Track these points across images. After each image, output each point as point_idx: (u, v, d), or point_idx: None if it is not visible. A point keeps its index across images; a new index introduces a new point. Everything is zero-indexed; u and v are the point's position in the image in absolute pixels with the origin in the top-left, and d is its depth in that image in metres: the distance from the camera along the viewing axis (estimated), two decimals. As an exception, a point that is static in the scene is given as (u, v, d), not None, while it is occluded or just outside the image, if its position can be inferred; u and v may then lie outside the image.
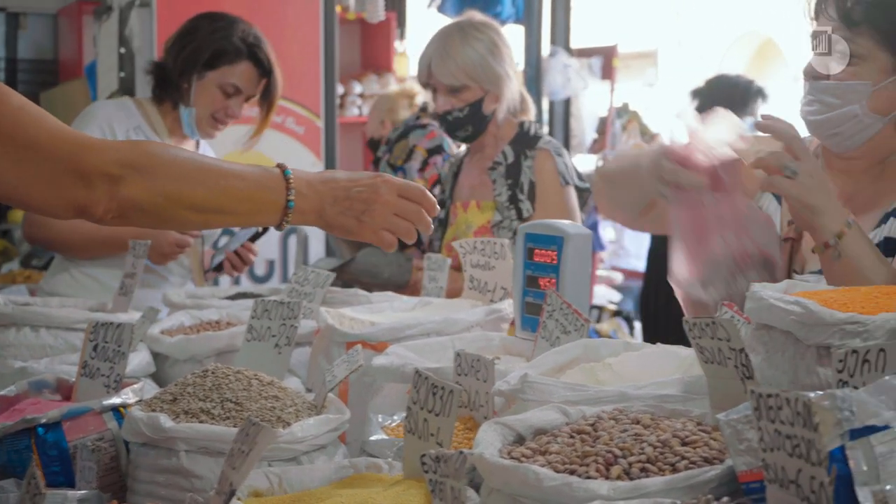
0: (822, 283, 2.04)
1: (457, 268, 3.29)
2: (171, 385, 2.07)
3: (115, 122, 4.00)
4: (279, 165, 2.22)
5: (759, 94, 6.56)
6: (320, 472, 1.86)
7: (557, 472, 1.46)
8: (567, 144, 7.32)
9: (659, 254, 6.27)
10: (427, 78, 4.14)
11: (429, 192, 2.33)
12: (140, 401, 2.09)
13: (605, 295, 8.25)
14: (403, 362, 2.20)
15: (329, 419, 1.98)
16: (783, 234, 2.65)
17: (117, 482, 2.04)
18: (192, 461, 1.92)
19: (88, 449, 1.98)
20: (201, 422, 1.95)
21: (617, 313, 7.96)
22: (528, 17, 7.58)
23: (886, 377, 1.30)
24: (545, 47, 7.65)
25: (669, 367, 1.97)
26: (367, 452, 2.02)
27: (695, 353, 1.67)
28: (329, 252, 5.76)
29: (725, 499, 1.35)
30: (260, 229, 4.14)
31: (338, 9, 6.45)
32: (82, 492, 1.87)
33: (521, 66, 4.49)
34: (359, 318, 2.69)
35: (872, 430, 1.23)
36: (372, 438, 2.03)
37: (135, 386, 2.18)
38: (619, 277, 8.58)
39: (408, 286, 4.27)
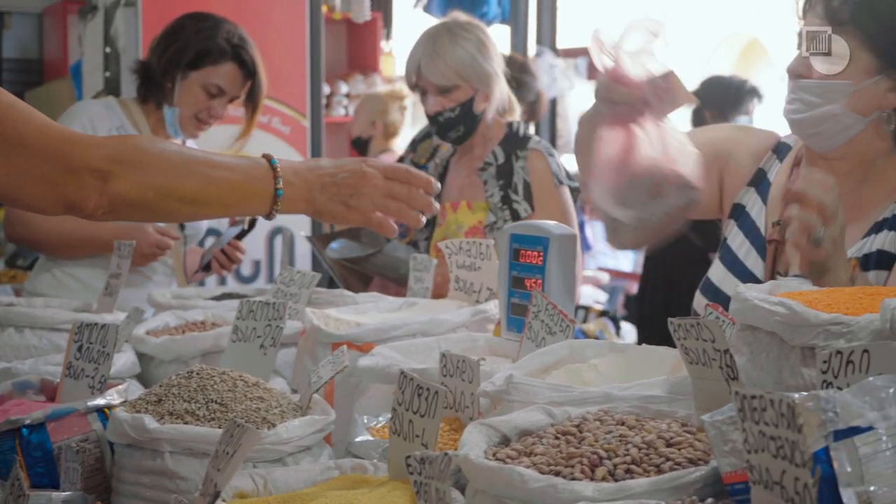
0: (806, 285, 2.04)
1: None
2: (156, 386, 2.06)
3: (97, 122, 3.99)
4: (265, 155, 2.23)
5: (753, 93, 6.58)
6: (305, 473, 1.86)
7: (542, 473, 1.46)
8: (554, 144, 7.32)
9: (655, 255, 6.28)
10: (416, 80, 4.14)
11: (416, 170, 2.33)
12: (125, 402, 2.08)
13: (591, 295, 8.25)
14: (389, 363, 2.20)
15: (314, 420, 1.98)
16: (767, 235, 2.65)
17: (102, 483, 2.03)
18: (176, 462, 1.91)
19: (73, 450, 1.97)
20: (186, 423, 1.94)
21: (603, 313, 7.96)
22: (514, 18, 7.58)
23: (870, 378, 1.30)
24: (531, 47, 7.65)
25: (655, 368, 1.97)
26: (353, 454, 2.01)
27: (680, 353, 1.67)
28: (315, 253, 5.75)
29: (710, 500, 1.35)
30: (246, 227, 4.14)
31: (324, 9, 6.45)
32: (67, 493, 1.87)
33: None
34: (344, 318, 2.69)
35: (856, 431, 1.23)
36: (357, 439, 2.03)
37: (119, 387, 2.17)
38: (605, 278, 8.59)
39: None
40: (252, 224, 4.20)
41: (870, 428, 1.24)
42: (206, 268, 4.21)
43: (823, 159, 2.61)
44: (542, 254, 2.40)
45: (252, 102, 4.15)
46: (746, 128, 2.81)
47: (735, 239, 2.72)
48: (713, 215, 2.86)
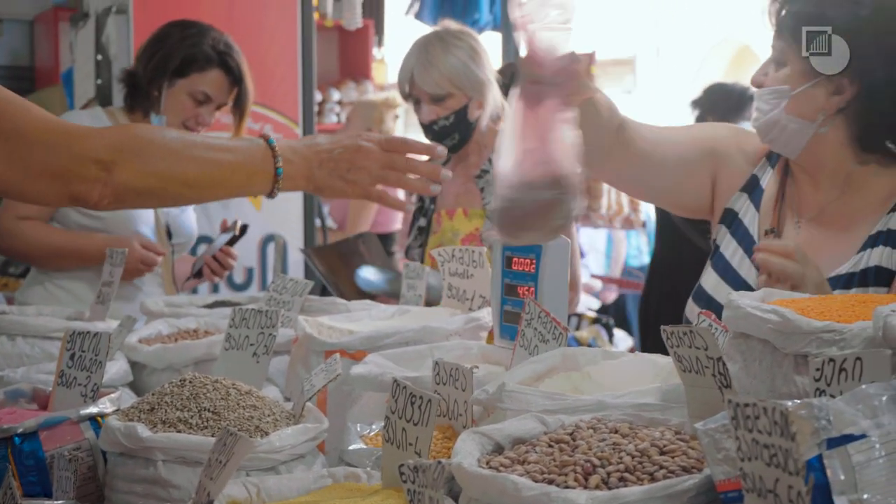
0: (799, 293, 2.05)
1: None
2: (149, 394, 2.06)
3: None
4: (262, 136, 2.24)
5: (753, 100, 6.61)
6: (298, 481, 1.85)
7: (536, 481, 1.46)
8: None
9: (660, 262, 6.29)
10: (410, 89, 4.14)
11: (412, 139, 2.33)
12: (117, 410, 2.08)
13: (584, 302, 8.26)
14: (382, 371, 2.20)
15: (307, 428, 1.98)
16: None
17: (94, 492, 2.03)
18: (169, 471, 1.91)
19: (65, 459, 1.97)
20: (179, 431, 1.94)
21: (596, 321, 7.97)
22: (506, 25, 7.59)
23: (863, 386, 1.31)
24: (523, 54, 7.66)
25: (648, 375, 1.97)
26: (346, 462, 2.01)
27: (673, 361, 1.67)
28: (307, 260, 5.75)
29: (703, 508, 1.36)
30: (237, 233, 4.14)
31: (315, 16, 6.45)
32: (59, 502, 1.88)
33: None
34: (337, 326, 2.69)
35: (850, 438, 1.24)
36: (350, 448, 2.02)
37: (112, 395, 2.17)
38: (598, 285, 8.60)
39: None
40: (243, 230, 4.20)
41: (863, 436, 1.24)
42: (198, 275, 4.21)
43: (801, 168, 2.65)
44: (534, 261, 2.40)
45: (239, 109, 4.15)
46: (744, 130, 2.83)
47: (728, 246, 2.73)
48: (703, 215, 2.87)
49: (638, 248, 8.98)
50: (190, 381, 2.04)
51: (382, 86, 9.15)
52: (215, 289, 5.51)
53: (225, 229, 4.28)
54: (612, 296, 8.69)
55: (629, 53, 12.72)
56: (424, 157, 2.42)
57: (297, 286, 3.06)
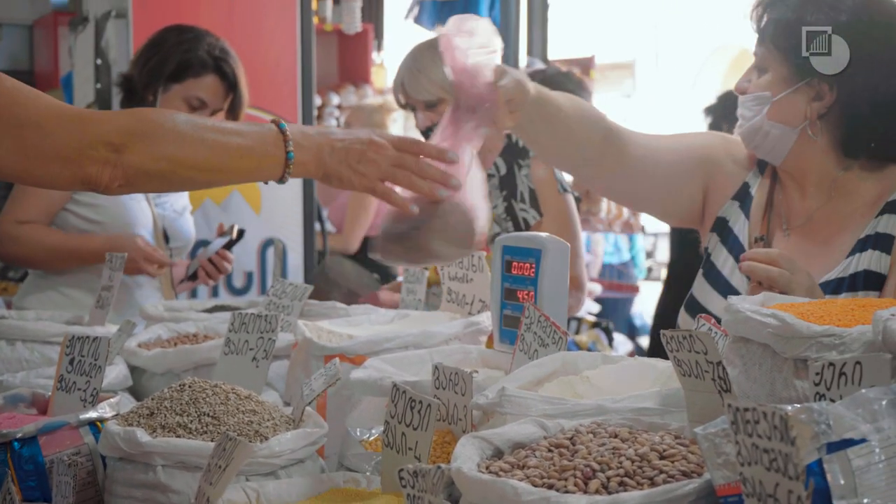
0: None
1: None
2: (148, 399, 2.06)
3: None
4: (273, 120, 2.24)
5: None
6: (298, 486, 1.85)
7: (535, 486, 1.46)
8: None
9: (676, 269, 6.28)
10: (405, 99, 4.14)
11: (427, 142, 2.33)
12: (117, 415, 2.08)
13: (584, 306, 8.26)
14: (381, 376, 2.19)
15: (307, 433, 1.98)
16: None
17: (94, 497, 2.03)
18: (169, 476, 1.91)
19: (65, 463, 1.97)
20: (178, 436, 1.94)
21: (596, 325, 7.96)
22: (505, 29, 7.59)
23: (863, 390, 1.31)
24: (522, 58, 7.66)
25: (647, 380, 1.97)
26: (346, 466, 2.01)
27: (672, 366, 1.67)
28: (307, 263, 5.75)
29: (703, 512, 1.35)
30: (234, 237, 4.14)
31: (315, 20, 6.45)
32: (58, 507, 1.87)
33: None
34: (336, 331, 2.69)
35: (849, 443, 1.24)
36: (350, 452, 2.02)
37: (111, 400, 2.17)
38: (598, 289, 8.59)
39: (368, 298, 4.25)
40: (240, 234, 4.20)
41: (863, 440, 1.24)
42: (193, 277, 4.21)
43: (788, 175, 2.65)
44: (534, 265, 2.40)
45: (233, 115, 4.14)
46: (732, 138, 2.84)
47: (719, 256, 2.72)
48: (693, 224, 2.87)
49: (616, 246, 8.98)
50: (189, 386, 2.04)
51: (382, 90, 9.15)
52: (215, 293, 5.50)
53: (221, 233, 4.28)
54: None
55: (629, 57, 12.73)
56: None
57: (297, 290, 3.05)
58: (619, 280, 8.78)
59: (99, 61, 5.48)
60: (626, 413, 1.72)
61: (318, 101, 8.35)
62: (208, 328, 3.09)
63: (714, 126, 6.33)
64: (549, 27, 8.01)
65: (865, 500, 1.21)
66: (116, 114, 2.24)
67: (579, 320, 7.76)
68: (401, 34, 9.20)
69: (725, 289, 2.65)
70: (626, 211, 7.94)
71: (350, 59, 9.41)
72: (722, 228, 2.75)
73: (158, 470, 1.91)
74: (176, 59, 4.02)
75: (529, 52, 7.82)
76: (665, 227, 7.10)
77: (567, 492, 1.45)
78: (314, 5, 6.46)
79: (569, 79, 6.27)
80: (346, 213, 7.55)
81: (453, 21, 2.38)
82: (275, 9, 5.69)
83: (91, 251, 3.88)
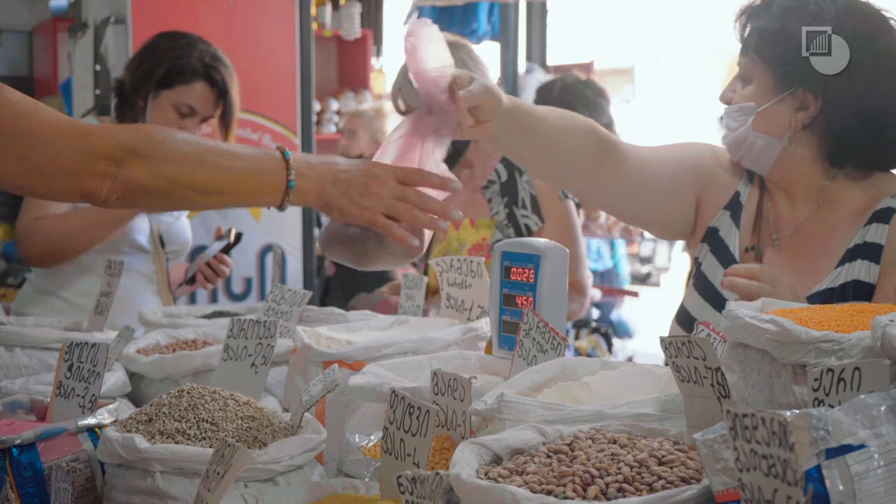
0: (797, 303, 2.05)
1: None
2: (147, 405, 2.06)
3: None
4: (278, 147, 2.25)
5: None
6: (297, 492, 1.85)
7: (534, 492, 1.46)
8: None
9: None
10: (404, 105, 4.14)
11: (429, 172, 2.33)
12: (115, 421, 2.08)
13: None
14: (380, 382, 2.19)
15: (306, 439, 1.97)
16: (741, 261, 2.66)
17: (92, 503, 2.02)
18: (167, 482, 1.91)
19: (63, 470, 1.96)
20: (177, 442, 1.93)
21: (595, 330, 7.97)
22: (504, 34, 7.60)
23: (862, 396, 1.30)
24: (521, 64, 7.66)
25: (646, 385, 1.97)
26: (344, 473, 2.01)
27: (671, 371, 1.67)
28: (306, 269, 5.75)
29: (702, 518, 1.35)
30: (231, 240, 4.14)
31: (314, 26, 6.46)
32: (57, 514, 1.87)
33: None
34: (335, 337, 2.69)
35: (848, 449, 1.23)
36: (349, 458, 2.02)
37: (110, 406, 2.17)
38: (597, 294, 8.60)
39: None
40: (238, 238, 4.19)
41: (861, 446, 1.24)
42: (192, 281, 4.21)
43: (775, 184, 2.65)
44: (533, 271, 2.40)
45: (224, 123, 4.13)
46: (723, 148, 2.83)
47: (709, 265, 2.71)
48: (685, 236, 2.85)
49: (598, 253, 8.98)
50: (188, 392, 2.04)
51: (381, 95, 9.16)
52: (214, 299, 5.50)
53: (219, 236, 4.28)
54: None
55: (628, 63, 12.75)
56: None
57: (296, 296, 3.05)
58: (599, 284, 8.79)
59: (98, 67, 5.48)
60: (625, 419, 1.72)
61: (317, 106, 8.35)
62: (207, 334, 3.09)
63: None
64: (549, 33, 8.02)
65: (864, 506, 1.21)
66: (118, 128, 2.24)
67: (580, 326, 7.77)
68: (400, 40, 9.20)
69: (717, 300, 2.63)
70: (624, 216, 7.94)
71: (349, 64, 9.41)
72: (712, 239, 2.74)
73: (157, 476, 1.91)
74: (166, 65, 4.01)
75: (529, 58, 7.83)
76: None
77: (566, 498, 1.44)
78: (313, 11, 6.46)
79: (588, 87, 6.30)
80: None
81: (414, 27, 2.37)
82: (274, 15, 5.70)
83: (114, 215, 3.87)
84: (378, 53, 9.78)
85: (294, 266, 5.69)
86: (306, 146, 5.79)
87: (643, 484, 1.46)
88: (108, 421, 2.10)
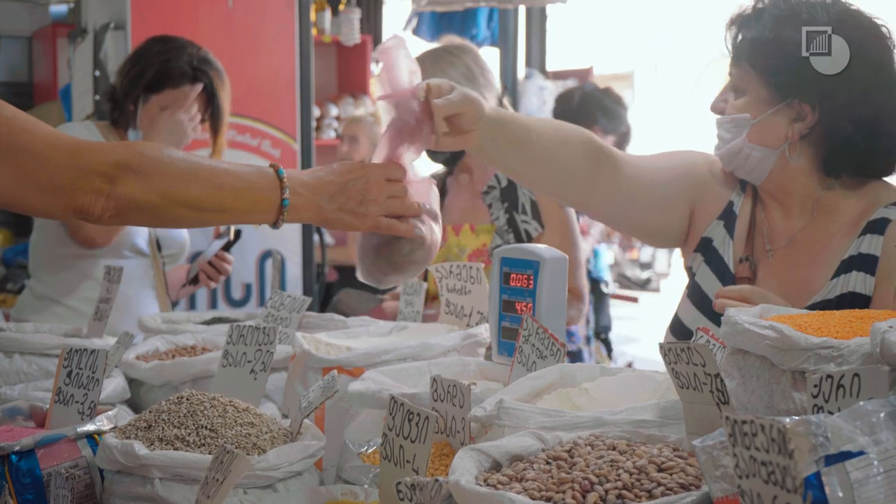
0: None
1: None
2: (146, 412, 2.06)
3: None
4: (272, 165, 2.25)
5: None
6: (296, 499, 1.85)
7: (534, 499, 1.46)
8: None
9: None
10: None
11: (401, 164, 2.36)
12: (115, 428, 2.08)
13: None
14: (379, 388, 2.19)
15: (305, 446, 1.97)
16: (736, 272, 2.65)
17: (91, 510, 2.02)
18: (166, 489, 1.90)
19: (62, 476, 1.96)
20: (176, 449, 1.93)
21: (595, 335, 7.97)
22: (504, 40, 7.60)
23: (861, 402, 1.30)
24: (521, 70, 7.66)
25: (646, 392, 1.96)
26: (344, 479, 2.01)
27: (670, 378, 1.67)
28: (305, 275, 5.75)
29: (702, 525, 1.35)
30: (231, 238, 4.14)
31: (314, 32, 6.46)
32: (56, 520, 1.86)
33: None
34: (335, 343, 2.68)
35: (847, 455, 1.23)
36: (348, 465, 2.02)
37: (109, 412, 2.17)
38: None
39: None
40: (237, 235, 4.20)
41: (861, 453, 1.24)
42: (194, 281, 4.21)
43: (769, 194, 2.64)
44: (532, 277, 2.40)
45: (214, 126, 4.13)
46: (714, 157, 2.81)
47: (703, 276, 2.70)
48: (677, 245, 2.84)
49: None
50: (187, 399, 2.04)
51: (380, 101, 9.16)
52: (213, 305, 5.50)
53: (218, 235, 4.28)
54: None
55: (627, 68, 12.76)
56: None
57: (295, 303, 3.05)
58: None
59: (97, 73, 5.49)
60: (625, 425, 1.72)
61: (316, 112, 8.36)
62: (206, 340, 3.09)
63: None
64: (548, 38, 8.02)
65: (864, 513, 1.21)
66: (112, 145, 2.24)
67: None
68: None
69: (711, 311, 2.62)
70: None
71: (349, 70, 9.42)
72: (706, 249, 2.72)
73: (156, 483, 1.91)
74: (155, 68, 4.02)
75: (528, 64, 7.83)
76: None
77: (565, 504, 1.44)
78: (313, 17, 6.47)
79: (607, 95, 6.34)
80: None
81: (386, 44, 2.38)
82: (273, 20, 5.70)
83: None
84: (377, 59, 9.79)
85: (293, 272, 5.69)
86: (306, 152, 5.80)
87: (642, 490, 1.46)
88: (107, 427, 2.10)
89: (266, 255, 5.64)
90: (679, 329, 2.70)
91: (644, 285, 13.81)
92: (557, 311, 2.39)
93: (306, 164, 5.79)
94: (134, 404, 2.76)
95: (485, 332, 2.65)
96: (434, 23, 8.52)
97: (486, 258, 4.01)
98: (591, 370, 2.09)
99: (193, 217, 2.23)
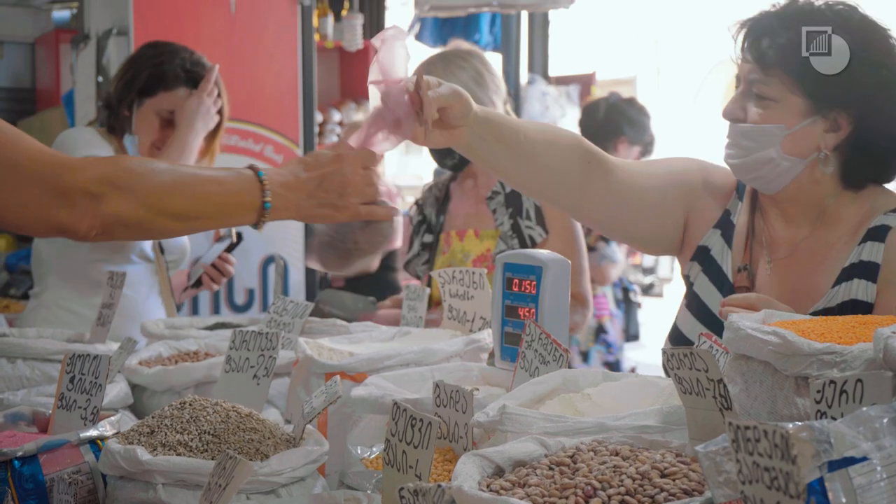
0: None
1: None
2: (149, 417, 2.06)
3: (96, 148, 3.97)
4: (252, 167, 2.25)
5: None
6: (299, 504, 1.85)
7: (536, 504, 1.46)
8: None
9: None
10: None
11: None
12: (117, 433, 2.08)
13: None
14: (382, 393, 2.19)
15: (308, 451, 1.97)
16: (734, 281, 2.63)
17: (94, 516, 2.02)
18: (169, 494, 1.90)
19: (65, 482, 1.96)
20: (179, 454, 1.93)
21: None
22: (506, 45, 7.61)
23: (864, 408, 1.30)
24: (523, 75, 7.67)
25: (648, 397, 1.96)
26: (346, 485, 2.01)
27: (673, 383, 1.67)
28: (308, 280, 5.75)
29: (705, 531, 1.35)
30: (234, 240, 4.14)
31: (316, 37, 6.46)
32: (59, 526, 1.86)
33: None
34: (337, 348, 2.68)
35: (850, 461, 1.23)
36: (351, 470, 2.02)
37: (112, 418, 2.17)
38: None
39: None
40: (239, 238, 4.20)
41: (864, 458, 1.24)
42: (197, 284, 4.21)
43: (773, 201, 2.61)
44: (535, 283, 2.40)
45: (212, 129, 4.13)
46: (711, 164, 2.78)
47: (702, 285, 2.68)
48: (673, 252, 2.82)
49: None
50: (190, 404, 2.04)
51: (383, 106, 9.15)
52: (216, 310, 5.50)
53: (219, 238, 4.28)
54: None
55: (630, 73, 12.76)
56: None
57: (298, 308, 3.05)
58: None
59: (100, 79, 5.50)
60: (628, 431, 1.72)
61: (319, 117, 8.35)
62: (209, 346, 3.09)
63: None
64: (551, 44, 8.03)
65: (867, 519, 1.21)
66: (96, 161, 2.23)
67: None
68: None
69: (710, 321, 2.60)
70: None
71: (351, 75, 9.41)
72: (703, 258, 2.69)
73: (159, 488, 1.91)
74: (147, 72, 4.02)
75: (531, 69, 7.84)
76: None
77: (568, 510, 1.44)
78: (315, 22, 6.47)
79: (632, 105, 6.37)
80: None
81: (386, 33, 2.39)
82: (276, 26, 5.71)
83: None
84: (376, 47, 9.78)
85: (296, 277, 5.69)
86: (308, 157, 5.80)
87: (645, 496, 1.46)
88: (110, 433, 2.10)
89: (269, 260, 5.65)
90: (678, 339, 2.69)
91: (647, 290, 13.80)
92: (560, 317, 2.40)
93: (309, 169, 5.78)
94: (137, 410, 2.76)
95: (488, 337, 2.65)
96: (437, 28, 8.52)
97: (491, 263, 4.00)
98: (594, 375, 2.09)
99: (178, 227, 2.25)
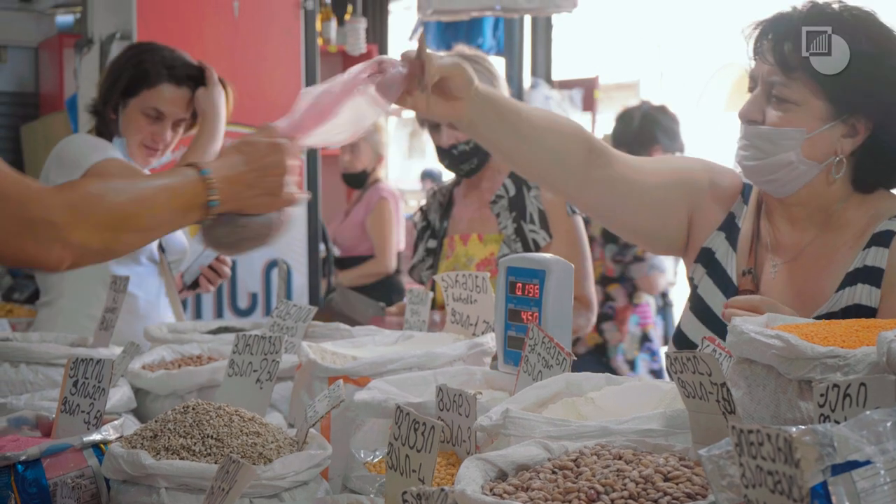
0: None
1: None
2: (152, 421, 2.06)
3: (111, 150, 3.97)
4: (195, 164, 2.27)
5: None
6: (302, 508, 1.85)
7: (539, 508, 1.46)
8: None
9: None
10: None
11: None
12: (121, 437, 2.08)
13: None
14: (385, 397, 2.19)
15: (311, 455, 1.97)
16: (739, 285, 2.62)
17: (97, 520, 2.03)
18: (172, 499, 1.91)
19: (69, 486, 1.97)
20: (182, 458, 1.94)
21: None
22: (510, 49, 7.61)
23: (867, 412, 1.30)
24: (526, 79, 7.67)
25: (651, 401, 1.96)
26: (350, 489, 2.01)
27: (676, 387, 1.66)
28: (311, 284, 5.75)
29: (708, 535, 1.35)
30: None
31: (319, 41, 6.46)
32: (62, 530, 1.86)
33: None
34: (340, 352, 2.68)
35: (854, 465, 1.23)
36: (354, 474, 2.02)
37: (115, 422, 2.17)
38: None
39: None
40: None
41: (867, 462, 1.24)
42: (194, 286, 4.21)
43: (783, 207, 2.60)
44: (538, 286, 2.40)
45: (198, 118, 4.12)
46: (717, 166, 2.77)
47: (706, 289, 2.67)
48: (677, 253, 2.81)
49: None
50: (193, 408, 2.04)
51: (385, 110, 9.16)
52: (219, 314, 5.50)
53: None
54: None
55: (633, 77, 12.77)
56: None
57: (301, 312, 3.05)
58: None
59: (104, 83, 5.49)
60: (631, 435, 1.72)
61: (322, 121, 8.35)
62: (212, 350, 3.09)
63: None
64: (554, 48, 8.03)
65: (870, 523, 1.21)
66: (58, 190, 2.18)
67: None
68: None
69: (714, 324, 2.59)
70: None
71: (354, 79, 9.42)
72: (708, 260, 2.68)
73: (162, 492, 1.91)
74: (129, 73, 4.03)
75: (534, 73, 7.84)
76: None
77: (571, 514, 1.44)
78: (318, 26, 6.47)
79: (665, 114, 6.41)
80: (350, 235, 7.56)
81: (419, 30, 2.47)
82: (279, 30, 5.71)
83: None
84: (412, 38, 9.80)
85: (299, 281, 5.68)
86: (311, 162, 5.80)
87: (649, 500, 1.46)
88: (113, 437, 2.10)
89: (272, 264, 5.65)
90: (682, 341, 2.68)
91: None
92: (563, 321, 2.39)
93: (311, 174, 5.80)
94: (140, 414, 2.76)
95: (491, 341, 2.65)
96: (440, 32, 8.53)
97: (494, 267, 4.00)
98: (597, 379, 2.08)
99: (139, 240, 2.26)
